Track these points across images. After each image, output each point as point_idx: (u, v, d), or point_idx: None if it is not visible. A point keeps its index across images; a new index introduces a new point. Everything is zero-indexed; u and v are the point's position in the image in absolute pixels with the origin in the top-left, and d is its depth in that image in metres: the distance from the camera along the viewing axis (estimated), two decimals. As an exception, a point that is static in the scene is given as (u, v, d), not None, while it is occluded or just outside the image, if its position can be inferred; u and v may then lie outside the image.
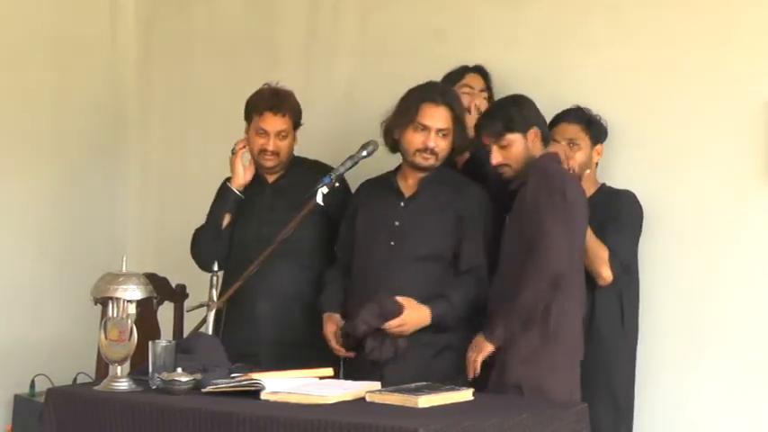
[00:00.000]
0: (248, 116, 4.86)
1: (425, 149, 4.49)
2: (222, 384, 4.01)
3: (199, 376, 4.02)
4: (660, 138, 4.76)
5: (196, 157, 5.83)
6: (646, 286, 4.69)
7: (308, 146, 4.98)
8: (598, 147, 4.69)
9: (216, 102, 5.76)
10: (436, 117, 4.49)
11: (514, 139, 4.36)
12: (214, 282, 4.57)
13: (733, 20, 4.64)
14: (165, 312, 5.07)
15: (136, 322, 4.10)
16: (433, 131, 4.49)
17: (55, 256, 5.76)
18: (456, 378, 4.20)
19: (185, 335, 4.86)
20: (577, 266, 4.35)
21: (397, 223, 4.54)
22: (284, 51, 5.62)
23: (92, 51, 5.95)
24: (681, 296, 4.70)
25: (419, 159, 4.51)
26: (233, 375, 4.09)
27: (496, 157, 4.38)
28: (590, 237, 4.48)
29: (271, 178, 4.90)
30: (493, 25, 5.10)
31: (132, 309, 4.11)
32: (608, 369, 4.54)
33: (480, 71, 4.92)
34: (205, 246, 4.86)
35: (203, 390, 3.99)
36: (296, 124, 4.86)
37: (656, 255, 4.69)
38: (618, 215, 4.58)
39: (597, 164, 4.72)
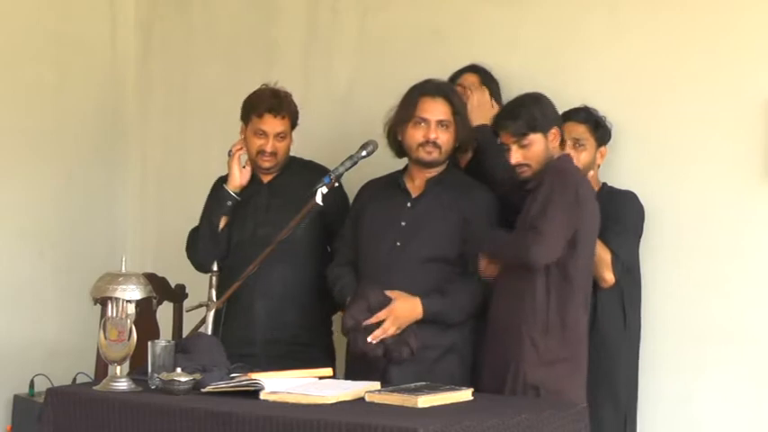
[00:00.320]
0: (246, 117, 4.85)
1: (427, 142, 4.49)
2: (221, 384, 4.00)
3: (198, 376, 4.02)
4: (660, 137, 4.76)
5: (196, 156, 5.83)
6: (647, 286, 4.69)
7: (307, 146, 4.98)
8: (602, 149, 4.69)
9: (216, 101, 5.76)
10: (434, 109, 4.49)
11: (536, 139, 4.32)
12: (213, 282, 4.57)
13: (732, 20, 4.64)
14: (165, 312, 5.07)
15: (135, 322, 4.10)
16: (433, 123, 4.48)
17: (54, 256, 5.75)
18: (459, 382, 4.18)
19: (184, 335, 4.86)
20: (586, 270, 4.33)
21: (403, 223, 4.54)
22: (284, 51, 5.62)
23: (92, 51, 5.95)
24: (682, 296, 4.70)
25: (423, 154, 4.50)
26: (232, 375, 4.09)
27: (516, 156, 4.33)
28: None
29: (266, 178, 4.90)
30: (493, 25, 5.09)
31: (131, 309, 4.11)
32: (610, 370, 4.54)
33: (474, 69, 4.90)
34: (202, 247, 4.84)
35: (203, 390, 3.99)
36: (293, 125, 4.86)
37: (658, 255, 4.69)
38: (620, 217, 4.57)
39: (599, 165, 4.71)
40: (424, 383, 4.03)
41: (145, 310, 4.33)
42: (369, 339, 4.35)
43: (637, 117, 4.79)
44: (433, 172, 4.55)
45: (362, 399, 3.89)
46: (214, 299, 4.56)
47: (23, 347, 5.57)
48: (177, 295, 5.16)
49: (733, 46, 4.65)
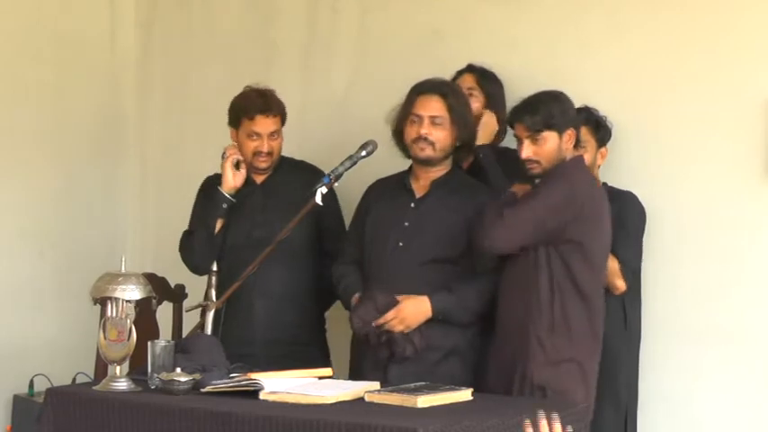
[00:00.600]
0: (236, 121, 4.83)
1: (419, 138, 4.48)
2: (221, 384, 4.00)
3: (198, 376, 4.03)
4: (660, 137, 4.76)
5: (195, 156, 5.82)
6: (648, 287, 4.69)
7: (307, 146, 4.99)
8: (602, 149, 4.69)
9: (215, 102, 5.70)
10: (427, 106, 4.49)
11: (550, 137, 4.29)
12: (213, 282, 4.56)
13: (732, 20, 4.64)
14: (164, 312, 5.06)
15: (135, 322, 4.11)
16: (426, 119, 4.48)
17: (54, 256, 5.75)
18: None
19: (184, 335, 4.86)
20: (596, 278, 4.32)
21: (406, 224, 4.53)
22: (283, 51, 5.62)
23: (91, 51, 5.94)
24: (682, 296, 4.70)
25: (416, 151, 4.50)
26: (232, 375, 4.09)
27: (527, 151, 4.30)
28: None
29: (259, 179, 4.89)
30: (492, 25, 5.09)
31: (131, 309, 4.11)
32: (611, 371, 4.53)
33: (473, 70, 4.90)
34: (199, 251, 4.82)
35: (202, 390, 3.99)
36: (283, 123, 4.85)
37: (658, 255, 4.69)
38: (623, 221, 4.55)
39: (600, 166, 4.71)
40: (423, 383, 4.04)
41: (144, 310, 4.33)
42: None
43: (637, 117, 4.79)
44: (438, 173, 4.55)
45: (362, 399, 3.90)
46: (213, 299, 4.55)
47: (23, 347, 5.56)
48: (177, 295, 5.16)
49: (733, 46, 4.65)
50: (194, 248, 4.83)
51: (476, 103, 4.78)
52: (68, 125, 5.84)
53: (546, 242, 4.24)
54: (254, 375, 4.00)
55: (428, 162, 4.52)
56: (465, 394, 3.97)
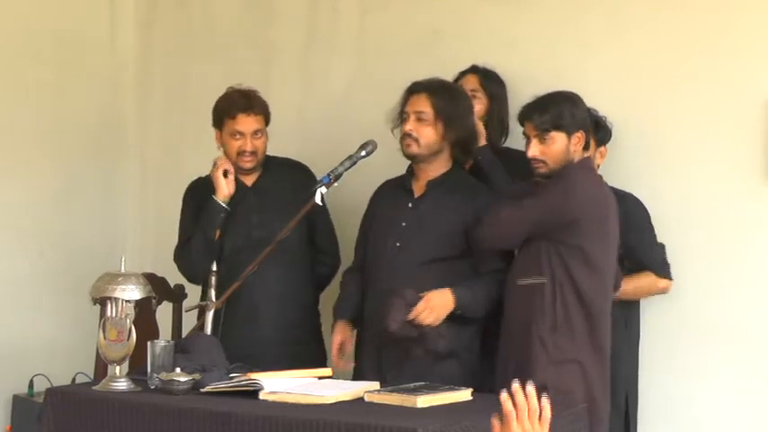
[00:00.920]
0: (219, 122, 4.84)
1: (404, 135, 4.50)
2: (221, 384, 4.00)
3: (197, 376, 4.02)
4: (659, 138, 4.76)
5: (195, 156, 5.80)
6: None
7: (306, 146, 4.99)
8: (602, 149, 4.68)
9: (214, 102, 5.74)
10: (415, 103, 4.51)
11: (559, 137, 4.28)
12: (212, 282, 4.56)
13: (732, 20, 4.64)
14: (164, 312, 5.07)
15: (134, 322, 4.10)
16: (412, 116, 4.49)
17: (54, 256, 5.75)
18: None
19: (184, 335, 4.86)
20: (607, 279, 4.32)
21: (404, 224, 4.54)
22: (283, 51, 5.62)
23: (91, 51, 5.94)
24: (683, 296, 4.70)
25: (404, 147, 4.52)
26: (232, 375, 4.09)
27: (534, 150, 4.30)
28: (626, 282, 4.51)
29: (249, 180, 4.88)
30: (492, 25, 5.09)
31: (131, 309, 4.11)
32: (612, 371, 4.53)
33: (476, 71, 4.90)
34: (198, 261, 4.78)
35: (202, 390, 3.99)
36: (267, 121, 4.84)
37: (656, 255, 4.69)
38: (636, 227, 4.57)
39: (599, 165, 4.70)
40: (423, 383, 4.03)
41: (144, 310, 4.33)
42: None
43: (637, 117, 4.79)
44: (435, 172, 4.55)
45: (362, 399, 3.89)
46: (213, 299, 4.55)
47: (23, 347, 5.56)
48: (176, 295, 5.16)
49: (733, 46, 4.65)
50: (193, 259, 4.80)
51: (479, 105, 4.78)
52: (68, 125, 5.84)
53: (548, 242, 4.24)
54: (253, 375, 4.00)
55: (414, 159, 4.53)
56: (465, 394, 3.96)
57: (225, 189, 4.78)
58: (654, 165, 4.77)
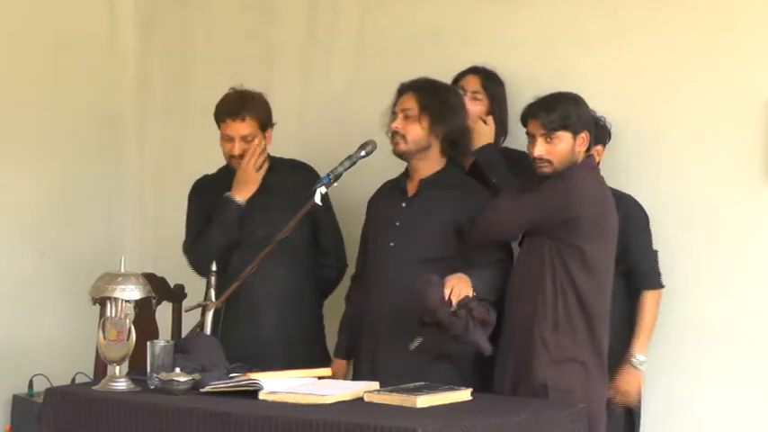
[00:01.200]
0: (217, 122, 4.85)
1: (393, 134, 4.52)
2: (221, 384, 4.00)
3: (197, 376, 4.02)
4: (659, 138, 4.76)
5: (195, 156, 5.82)
6: (647, 287, 4.69)
7: (306, 145, 4.99)
8: (598, 147, 4.67)
9: (214, 102, 5.69)
10: (403, 102, 4.54)
11: (565, 137, 4.29)
12: (212, 282, 4.56)
13: (732, 20, 4.64)
14: (164, 312, 5.07)
15: (134, 322, 4.10)
16: (400, 115, 4.52)
17: (54, 256, 5.75)
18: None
19: (183, 335, 4.86)
20: (605, 280, 4.33)
21: (398, 224, 4.55)
22: (283, 51, 5.62)
23: (91, 51, 5.94)
24: (682, 296, 4.69)
25: (393, 145, 4.53)
26: (231, 375, 4.09)
27: (540, 149, 4.29)
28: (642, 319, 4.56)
29: None
30: (492, 25, 5.09)
31: (131, 309, 4.11)
32: (612, 372, 4.53)
33: (478, 72, 4.89)
34: (218, 258, 4.76)
35: (202, 390, 3.99)
36: (263, 126, 4.83)
37: (658, 255, 4.68)
38: (639, 235, 4.59)
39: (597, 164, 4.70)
40: (422, 383, 4.03)
41: (144, 310, 4.33)
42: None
43: (637, 117, 4.79)
44: (427, 171, 4.56)
45: (361, 399, 3.89)
46: (213, 299, 4.55)
47: (22, 347, 5.56)
48: (176, 295, 5.16)
49: (733, 46, 4.64)
50: (210, 255, 4.74)
51: (480, 106, 4.79)
52: (68, 125, 5.84)
53: (550, 240, 4.25)
54: (253, 375, 4.00)
55: (403, 156, 4.54)
56: (464, 394, 3.96)
57: (250, 191, 4.79)
58: (654, 165, 4.76)
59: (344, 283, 4.94)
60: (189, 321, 4.92)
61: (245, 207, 4.80)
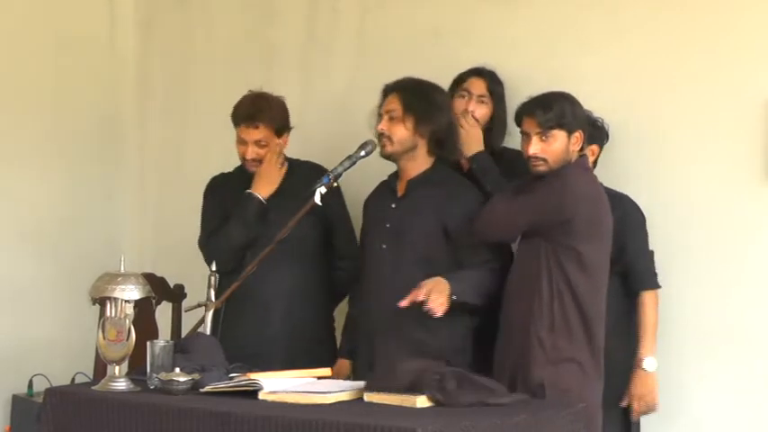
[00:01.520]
0: (233, 124, 4.87)
1: (379, 136, 4.53)
2: (220, 384, 4.00)
3: (197, 376, 4.02)
4: (659, 138, 4.76)
5: (194, 157, 5.83)
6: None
7: (306, 145, 4.98)
8: (593, 147, 4.67)
9: (215, 101, 5.73)
10: (387, 103, 4.55)
11: (560, 136, 4.29)
12: (212, 282, 4.56)
13: (732, 20, 4.64)
14: (164, 312, 5.07)
15: (134, 322, 4.10)
16: (385, 116, 4.53)
17: (53, 255, 5.75)
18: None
19: (183, 335, 4.86)
20: (601, 280, 4.33)
21: (388, 225, 4.56)
22: (283, 51, 5.62)
23: (91, 51, 5.94)
24: (682, 297, 4.69)
25: (380, 148, 4.54)
26: (231, 375, 4.09)
27: (535, 148, 4.29)
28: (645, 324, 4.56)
29: None
30: (492, 25, 5.09)
31: (130, 309, 4.10)
32: (610, 372, 4.53)
33: (483, 74, 4.88)
34: (236, 257, 4.77)
35: (201, 390, 3.99)
36: (278, 131, 4.84)
37: (657, 255, 4.67)
38: (636, 235, 4.58)
39: (594, 164, 4.69)
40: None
41: (144, 310, 4.33)
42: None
43: (637, 117, 4.79)
44: (415, 171, 4.56)
45: (361, 399, 3.89)
46: (213, 299, 4.55)
47: (22, 347, 5.56)
48: (176, 295, 5.16)
49: (733, 46, 4.64)
50: (231, 252, 4.75)
51: (485, 109, 4.79)
52: (68, 125, 5.84)
53: (546, 242, 4.25)
54: (253, 375, 4.00)
55: (391, 157, 4.55)
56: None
57: (272, 188, 4.80)
58: (654, 165, 4.76)
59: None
60: (189, 321, 4.92)
61: (266, 203, 4.80)
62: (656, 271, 4.63)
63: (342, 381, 4.19)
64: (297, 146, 4.97)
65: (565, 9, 4.94)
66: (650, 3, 4.79)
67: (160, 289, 4.93)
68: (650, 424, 4.70)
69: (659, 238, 4.68)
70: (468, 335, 4.47)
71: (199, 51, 5.88)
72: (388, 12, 5.37)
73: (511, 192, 4.39)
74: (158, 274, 5.04)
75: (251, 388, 3.93)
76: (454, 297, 4.33)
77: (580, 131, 4.33)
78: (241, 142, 4.84)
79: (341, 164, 4.54)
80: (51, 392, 4.16)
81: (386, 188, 4.66)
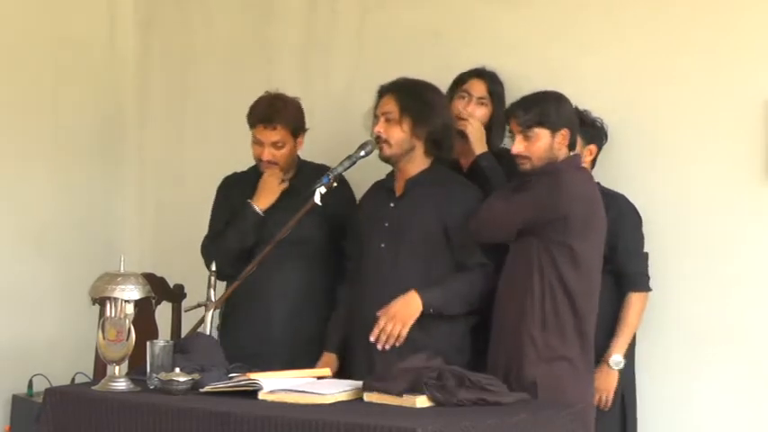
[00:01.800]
0: (249, 125, 4.86)
1: (376, 139, 4.52)
2: (220, 384, 4.00)
3: (197, 376, 4.02)
4: (659, 138, 4.76)
5: (194, 156, 5.82)
6: (647, 287, 4.69)
7: (306, 146, 4.97)
8: (591, 147, 4.67)
9: (214, 102, 5.75)
10: (383, 105, 4.54)
11: (542, 134, 4.31)
12: (212, 282, 4.56)
13: (732, 20, 4.64)
14: (163, 312, 5.07)
15: (134, 322, 4.10)
16: (381, 118, 4.52)
17: (53, 256, 5.74)
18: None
19: (183, 335, 4.86)
20: (590, 279, 4.33)
21: (386, 224, 4.55)
22: (283, 51, 5.62)
23: (90, 51, 5.94)
24: (682, 296, 4.70)
25: (379, 151, 4.53)
26: (231, 375, 4.08)
27: (518, 146, 4.33)
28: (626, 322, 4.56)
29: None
30: (492, 26, 5.09)
31: (130, 309, 4.10)
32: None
33: (483, 76, 4.88)
34: (230, 264, 4.73)
35: (201, 390, 3.99)
36: (294, 132, 4.84)
37: (657, 255, 4.67)
38: (630, 236, 4.58)
39: (593, 164, 4.70)
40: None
41: (143, 310, 4.34)
42: (378, 346, 4.35)
43: (636, 117, 4.79)
44: (413, 170, 4.55)
45: (361, 398, 3.89)
46: (213, 299, 4.55)
47: (22, 347, 5.56)
48: (176, 295, 5.16)
49: (733, 46, 4.64)
50: (225, 260, 4.71)
51: (484, 111, 4.80)
52: (68, 125, 5.84)
53: (539, 240, 4.25)
54: (252, 375, 4.00)
55: (389, 160, 4.55)
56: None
57: (270, 201, 4.80)
58: (653, 165, 4.76)
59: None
60: (188, 321, 4.92)
61: (263, 215, 4.79)
62: (649, 274, 4.62)
63: (342, 381, 4.18)
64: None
65: (565, 9, 4.94)
66: (650, 3, 4.79)
67: (160, 289, 4.94)
68: (650, 424, 4.70)
69: (659, 238, 4.68)
70: (467, 333, 4.48)
71: (199, 51, 5.88)
72: (387, 12, 5.37)
73: (506, 191, 4.39)
74: (158, 274, 5.05)
75: (250, 388, 3.93)
76: (431, 310, 4.37)
77: (566, 130, 4.33)
78: (257, 143, 4.83)
79: (340, 164, 4.54)
80: (51, 392, 4.16)
81: (382, 188, 4.65)
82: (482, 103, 4.80)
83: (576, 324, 4.27)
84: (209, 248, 4.86)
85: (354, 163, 4.54)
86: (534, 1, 5.03)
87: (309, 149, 4.98)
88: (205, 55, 5.86)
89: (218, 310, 4.63)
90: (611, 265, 4.50)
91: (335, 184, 4.54)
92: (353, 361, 4.55)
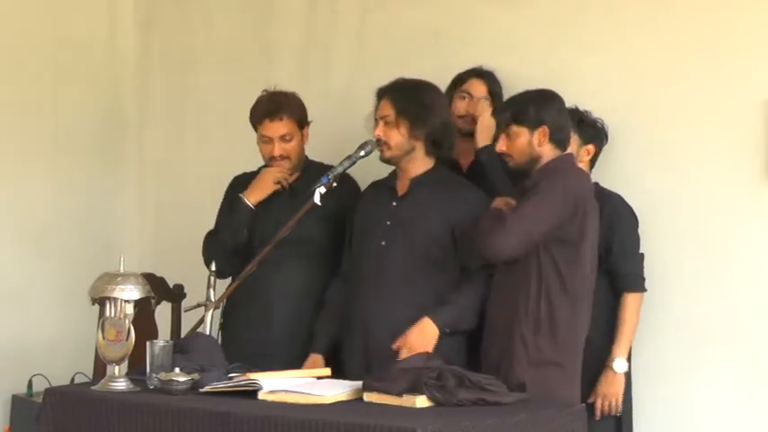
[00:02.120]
0: (253, 127, 4.85)
1: (377, 142, 4.53)
2: (220, 384, 4.00)
3: (196, 376, 4.02)
4: (659, 138, 4.76)
5: (194, 156, 5.83)
6: (647, 287, 4.67)
7: (306, 146, 4.97)
8: (589, 146, 4.67)
9: (214, 102, 5.75)
10: (381, 108, 4.54)
11: (519, 132, 4.32)
12: (212, 282, 4.56)
13: (732, 20, 4.64)
14: (163, 312, 5.07)
15: (133, 322, 4.10)
16: (380, 122, 4.52)
17: (53, 256, 5.75)
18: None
19: (183, 335, 4.86)
20: (587, 279, 4.32)
21: (388, 223, 4.54)
22: (282, 51, 5.62)
23: (90, 51, 5.94)
24: (681, 296, 4.69)
25: (380, 153, 4.54)
26: (231, 375, 4.08)
27: (500, 144, 4.37)
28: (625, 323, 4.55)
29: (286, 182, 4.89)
30: (492, 26, 5.09)
31: (130, 309, 4.11)
32: (595, 370, 4.52)
33: (479, 74, 4.88)
34: (227, 261, 4.75)
35: (201, 390, 3.99)
36: (300, 123, 4.84)
37: (657, 255, 4.67)
38: (625, 236, 4.58)
39: (592, 164, 4.70)
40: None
41: (143, 310, 4.33)
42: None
43: (636, 117, 4.79)
44: (416, 171, 4.55)
45: (360, 399, 3.89)
46: (212, 299, 4.55)
47: (22, 347, 5.56)
48: (176, 295, 5.16)
49: (733, 46, 4.64)
50: (222, 257, 4.72)
51: (486, 111, 4.79)
52: (68, 125, 5.84)
53: (543, 243, 4.25)
54: (252, 375, 4.00)
55: (390, 162, 4.55)
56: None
57: (261, 196, 4.79)
58: (653, 165, 4.76)
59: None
60: (188, 321, 4.92)
61: (254, 209, 4.79)
62: (649, 274, 4.61)
63: (341, 381, 4.18)
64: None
65: (565, 9, 4.94)
66: (650, 3, 4.79)
67: (160, 289, 4.94)
68: (649, 425, 4.70)
69: (658, 238, 4.68)
70: (464, 338, 4.47)
71: (199, 51, 5.88)
72: (387, 12, 5.37)
73: (507, 211, 4.32)
74: (158, 274, 5.05)
75: (250, 388, 3.93)
76: (447, 330, 4.37)
77: (544, 127, 4.32)
78: (265, 141, 4.81)
79: (340, 164, 4.54)
80: (51, 392, 4.16)
81: (383, 187, 4.65)
82: (484, 105, 4.80)
83: (570, 327, 4.26)
84: (205, 246, 4.87)
85: (354, 163, 4.55)
86: (534, 1, 5.03)
87: (309, 149, 4.98)
88: (205, 55, 5.86)
89: (218, 310, 4.64)
90: (606, 265, 4.50)
91: (335, 184, 4.54)
92: (347, 357, 4.53)
